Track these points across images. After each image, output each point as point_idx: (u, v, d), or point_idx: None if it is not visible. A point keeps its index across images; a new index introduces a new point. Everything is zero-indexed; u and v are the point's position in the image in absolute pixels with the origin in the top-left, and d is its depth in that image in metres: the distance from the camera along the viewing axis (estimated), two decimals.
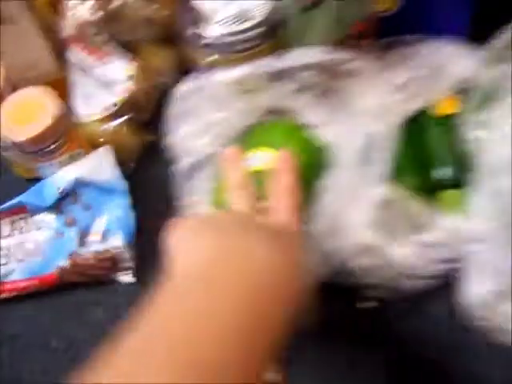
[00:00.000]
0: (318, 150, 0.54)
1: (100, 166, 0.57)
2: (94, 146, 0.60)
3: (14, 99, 0.57)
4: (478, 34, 0.61)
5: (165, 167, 0.63)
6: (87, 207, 0.58)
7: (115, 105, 0.60)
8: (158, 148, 0.64)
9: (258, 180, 0.50)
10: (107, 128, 0.61)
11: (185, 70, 0.61)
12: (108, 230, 0.58)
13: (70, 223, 0.58)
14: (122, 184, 0.58)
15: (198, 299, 0.36)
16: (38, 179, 0.61)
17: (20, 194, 0.59)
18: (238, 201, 0.48)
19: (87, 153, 0.59)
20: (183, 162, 0.56)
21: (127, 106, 0.60)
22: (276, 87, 0.55)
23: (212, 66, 0.55)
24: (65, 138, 0.56)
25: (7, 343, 0.57)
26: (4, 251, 0.58)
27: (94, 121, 0.61)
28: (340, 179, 0.52)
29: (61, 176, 0.58)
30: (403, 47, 0.62)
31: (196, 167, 0.56)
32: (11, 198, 0.59)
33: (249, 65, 0.52)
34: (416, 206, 0.54)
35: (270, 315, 0.37)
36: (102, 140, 0.60)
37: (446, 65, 0.60)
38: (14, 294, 0.58)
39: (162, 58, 0.61)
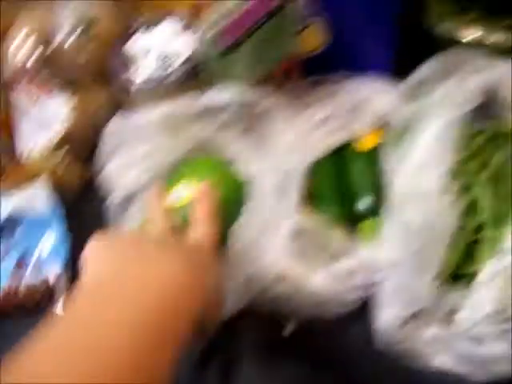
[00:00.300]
0: (238, 184, 0.57)
1: (35, 197, 0.61)
2: (30, 178, 0.63)
3: None
4: (401, 69, 0.65)
5: (102, 201, 0.67)
6: (22, 238, 0.61)
7: (53, 141, 0.63)
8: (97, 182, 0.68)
9: (181, 214, 0.53)
10: (47, 163, 0.64)
11: (119, 108, 0.64)
12: (43, 261, 0.60)
13: (5, 255, 0.61)
14: (57, 215, 0.61)
15: (99, 307, 0.38)
16: None
17: None
18: (157, 228, 0.51)
19: (25, 186, 0.62)
20: (115, 195, 0.59)
21: (65, 143, 0.63)
22: (200, 124, 0.58)
23: (139, 105, 0.59)
24: (2, 172, 0.59)
25: None
26: None
27: (35, 157, 0.64)
28: (257, 211, 0.54)
29: None
30: (328, 85, 0.65)
31: (127, 200, 0.59)
32: None
33: (173, 104, 0.56)
34: (333, 234, 0.56)
35: (171, 326, 0.39)
36: (42, 175, 0.64)
37: (368, 100, 0.63)
38: None
39: (98, 97, 0.65)
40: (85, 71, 0.62)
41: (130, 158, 0.57)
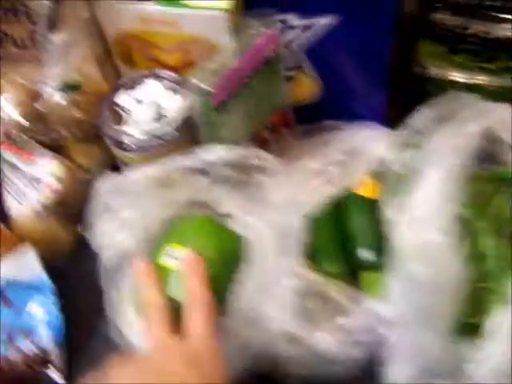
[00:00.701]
0: (234, 241, 0.55)
1: (24, 263, 0.58)
2: (22, 244, 0.61)
3: None
4: (394, 115, 0.64)
5: (95, 261, 0.65)
6: (11, 307, 0.58)
7: (43, 202, 0.61)
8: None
9: (170, 279, 0.52)
10: (37, 226, 0.62)
11: (109, 166, 0.63)
12: (35, 329, 0.58)
13: None
14: (47, 281, 0.58)
15: None
16: None
17: None
18: (153, 322, 0.49)
19: (13, 251, 0.60)
20: (106, 257, 0.57)
21: (55, 203, 0.61)
22: (191, 181, 0.57)
23: (129, 164, 0.57)
24: None
25: None
26: None
27: (24, 218, 0.62)
28: (256, 269, 0.53)
29: None
30: (321, 133, 0.64)
31: (119, 261, 0.57)
32: None
33: (164, 162, 0.54)
34: (336, 290, 0.54)
35: None
36: (31, 238, 0.62)
37: (363, 148, 0.62)
38: None
39: (88, 156, 0.63)
40: (74, 129, 0.60)
41: (118, 219, 0.56)
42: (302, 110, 0.64)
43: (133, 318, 0.57)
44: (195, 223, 0.56)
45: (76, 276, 0.62)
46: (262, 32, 0.54)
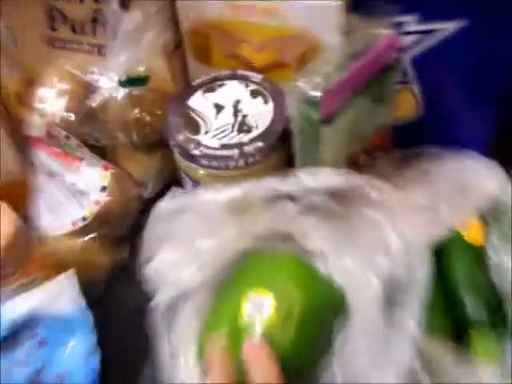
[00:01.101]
0: (325, 291, 0.44)
1: (61, 295, 0.47)
2: (56, 266, 0.50)
3: None
4: (500, 149, 0.54)
5: (140, 291, 0.54)
6: (43, 345, 0.47)
7: (85, 219, 0.50)
8: (133, 267, 0.55)
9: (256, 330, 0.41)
10: (74, 245, 0.51)
11: (169, 182, 0.52)
12: (67, 373, 0.46)
13: (20, 363, 0.46)
14: (86, 318, 0.47)
15: None
16: None
17: None
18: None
19: (47, 276, 0.49)
20: (163, 295, 0.46)
21: (99, 221, 0.50)
22: (275, 209, 0.46)
23: (201, 182, 0.47)
24: (20, 261, 0.46)
25: None
26: None
27: (59, 236, 0.51)
28: (357, 329, 0.42)
29: (12, 306, 0.46)
30: (422, 161, 0.54)
31: (179, 301, 0.46)
32: None
33: (245, 184, 0.44)
34: (450, 361, 0.44)
35: None
36: (66, 259, 0.50)
37: (472, 184, 0.52)
38: None
39: (142, 167, 0.52)
40: (131, 132, 0.49)
41: (185, 250, 0.45)
42: (399, 130, 0.54)
43: (189, 368, 0.46)
44: (283, 263, 0.45)
45: (114, 308, 0.51)
46: (381, 34, 0.44)
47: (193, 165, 0.45)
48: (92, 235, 0.51)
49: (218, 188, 0.45)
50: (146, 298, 0.52)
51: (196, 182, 0.47)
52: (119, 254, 0.53)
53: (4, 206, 0.45)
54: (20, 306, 0.47)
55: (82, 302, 0.47)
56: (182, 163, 0.47)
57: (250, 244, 0.47)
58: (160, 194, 0.51)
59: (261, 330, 0.41)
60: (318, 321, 0.43)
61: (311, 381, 0.42)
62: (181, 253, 0.45)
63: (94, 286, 0.53)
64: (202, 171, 0.46)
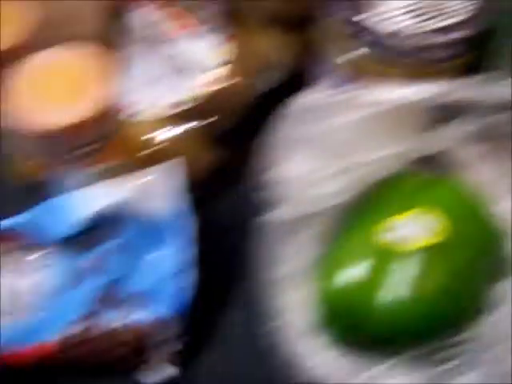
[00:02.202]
0: (487, 232, 0.36)
1: (156, 191, 0.37)
2: (141, 158, 0.40)
3: (38, 64, 0.35)
4: None
5: (244, 202, 0.44)
6: (123, 251, 0.37)
7: (187, 102, 0.40)
8: (237, 172, 0.45)
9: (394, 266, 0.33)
10: (167, 134, 0.40)
11: (308, 71, 0.41)
12: (151, 290, 0.37)
13: (93, 271, 0.37)
14: (186, 224, 0.37)
15: None
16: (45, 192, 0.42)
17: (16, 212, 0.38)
18: None
19: (133, 166, 0.39)
20: (285, 212, 0.36)
21: (204, 107, 0.40)
22: (444, 126, 0.36)
23: (362, 75, 0.35)
24: (107, 138, 0.36)
25: None
26: None
27: (150, 120, 0.40)
28: None
29: (89, 197, 0.37)
30: None
31: (302, 222, 0.36)
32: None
33: (422, 87, 0.33)
34: None
35: None
36: (157, 150, 0.40)
37: None
38: None
39: (273, 46, 0.41)
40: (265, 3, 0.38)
41: (328, 162, 0.35)
42: None
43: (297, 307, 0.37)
44: (450, 187, 0.36)
45: (211, 220, 0.41)
46: None
47: (354, 53, 0.34)
48: (193, 124, 0.41)
49: (384, 87, 0.34)
50: (250, 212, 0.43)
51: (349, 79, 0.36)
52: (220, 154, 0.43)
53: (98, 58, 0.34)
54: (100, 197, 0.37)
55: (184, 204, 0.37)
56: (336, 50, 0.36)
57: (401, 165, 0.37)
58: (285, 88, 0.41)
59: (411, 256, 0.33)
60: (472, 260, 0.34)
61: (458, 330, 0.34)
62: (318, 164, 0.35)
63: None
64: (365, 62, 0.35)
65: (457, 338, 0.34)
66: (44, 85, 0.33)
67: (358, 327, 0.34)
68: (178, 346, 0.37)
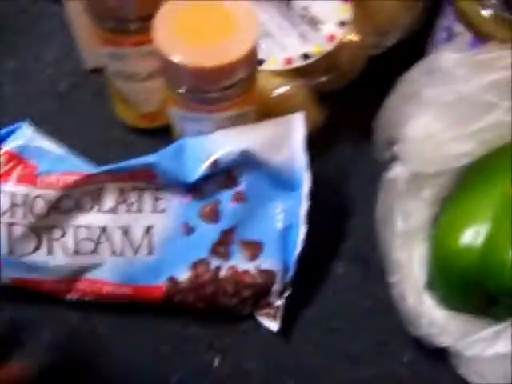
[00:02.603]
0: None
1: (281, 142, 0.37)
2: (260, 109, 0.40)
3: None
4: None
5: (351, 161, 0.44)
6: (244, 200, 0.37)
7: (307, 56, 0.40)
8: (343, 132, 0.45)
9: None
10: (284, 87, 0.40)
11: (431, 34, 0.41)
12: (266, 242, 0.37)
13: (210, 217, 0.37)
14: (305, 177, 0.37)
15: None
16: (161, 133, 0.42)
17: (128, 153, 0.38)
18: None
19: (257, 115, 0.39)
20: (405, 170, 0.36)
21: (324, 63, 0.40)
22: None
23: (489, 38, 0.36)
24: (247, 82, 0.35)
25: None
26: (94, 231, 0.37)
27: (270, 72, 0.40)
28: None
29: (217, 142, 0.36)
30: None
31: (425, 181, 0.37)
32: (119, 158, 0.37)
33: None
34: None
35: None
36: (270, 104, 0.40)
37: None
38: (90, 298, 0.38)
39: (395, 6, 0.41)
40: None
41: (456, 123, 0.35)
42: None
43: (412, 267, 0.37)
44: None
45: (318, 180, 0.41)
46: None
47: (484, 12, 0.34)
48: (306, 81, 0.41)
49: None
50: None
51: (476, 42, 0.36)
52: (324, 115, 0.43)
53: (250, 5, 0.34)
54: (227, 143, 0.36)
55: (304, 158, 0.37)
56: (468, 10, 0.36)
57: None
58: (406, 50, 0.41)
59: None
60: None
61: None
62: (455, 125, 0.35)
63: None
64: (493, 23, 0.35)
65: None
66: (194, 23, 0.33)
67: (476, 287, 0.35)
68: (282, 300, 0.37)
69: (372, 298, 0.39)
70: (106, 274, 0.37)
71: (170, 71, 0.34)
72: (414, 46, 0.43)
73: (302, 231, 0.37)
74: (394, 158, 0.37)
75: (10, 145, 0.37)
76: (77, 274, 0.37)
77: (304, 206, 0.37)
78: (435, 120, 0.35)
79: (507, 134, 0.35)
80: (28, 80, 0.48)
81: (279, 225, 0.38)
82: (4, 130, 0.38)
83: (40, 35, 0.51)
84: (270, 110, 0.41)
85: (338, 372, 0.37)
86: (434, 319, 0.36)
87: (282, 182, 0.37)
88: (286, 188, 0.38)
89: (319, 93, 0.43)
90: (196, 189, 0.37)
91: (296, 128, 0.37)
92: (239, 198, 0.37)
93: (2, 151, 0.37)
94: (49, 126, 0.47)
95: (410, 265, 0.36)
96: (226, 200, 0.37)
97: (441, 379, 0.37)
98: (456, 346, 0.35)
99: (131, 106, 0.43)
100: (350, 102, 0.43)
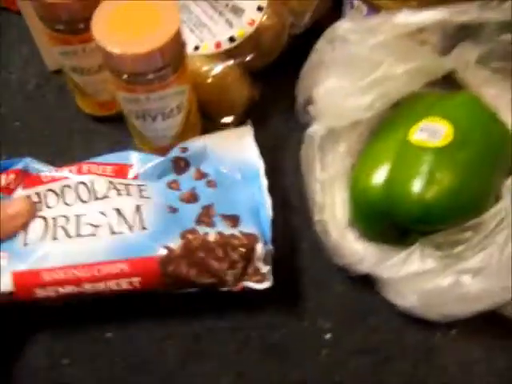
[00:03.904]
0: (501, 136, 0.42)
1: (236, 142, 0.46)
2: (195, 88, 0.46)
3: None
4: None
5: (280, 130, 0.51)
6: (215, 186, 0.44)
7: (233, 39, 0.46)
8: (268, 106, 0.52)
9: (425, 159, 0.39)
10: (215, 68, 0.47)
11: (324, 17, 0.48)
12: (242, 214, 0.42)
13: (190, 199, 0.43)
14: (259, 164, 0.45)
15: None
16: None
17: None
18: None
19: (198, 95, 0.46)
20: (320, 126, 0.43)
21: (248, 45, 0.46)
22: (458, 48, 0.43)
23: (383, 7, 0.42)
24: (176, 65, 0.42)
25: None
26: (94, 216, 0.41)
27: (202, 56, 0.47)
28: None
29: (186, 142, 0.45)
30: None
31: (337, 135, 0.43)
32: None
33: (444, 9, 0.39)
34: None
35: None
36: (205, 83, 0.47)
37: None
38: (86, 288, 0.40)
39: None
40: None
41: (360, 79, 0.41)
42: None
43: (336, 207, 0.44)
44: (464, 101, 0.42)
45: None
46: None
47: None
48: (235, 61, 0.47)
49: (404, 13, 0.41)
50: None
51: (372, 11, 0.43)
52: (256, 90, 0.49)
53: (172, 3, 0.41)
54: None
55: (256, 149, 0.45)
56: None
57: (419, 85, 0.44)
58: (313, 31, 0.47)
59: (432, 154, 0.39)
60: (490, 164, 0.41)
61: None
62: (351, 81, 0.41)
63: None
64: None
65: (466, 225, 0.40)
66: (126, 19, 0.40)
67: (386, 219, 0.41)
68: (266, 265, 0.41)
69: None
70: (103, 255, 0.40)
71: (111, 61, 0.40)
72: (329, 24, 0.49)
73: (268, 203, 0.43)
74: (312, 119, 0.44)
75: (14, 166, 0.44)
76: (74, 260, 0.40)
77: (265, 185, 0.44)
78: (337, 80, 0.41)
79: (398, 86, 0.41)
80: None
81: (250, 203, 0.43)
82: (6, 161, 0.45)
83: (5, 44, 0.57)
84: (208, 90, 0.48)
85: None
86: (355, 250, 0.42)
87: (243, 172, 0.44)
88: (248, 177, 0.44)
89: (250, 71, 0.49)
90: (173, 182, 0.44)
91: (246, 131, 0.46)
92: (211, 184, 0.44)
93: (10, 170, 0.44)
94: (19, 122, 0.53)
95: (332, 206, 0.43)
96: (200, 186, 0.44)
97: (368, 304, 0.44)
98: (375, 271, 0.42)
99: (89, 97, 0.50)
100: (278, 77, 0.49)
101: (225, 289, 0.41)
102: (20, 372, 0.42)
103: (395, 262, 0.41)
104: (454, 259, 0.40)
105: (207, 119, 0.50)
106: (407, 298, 0.41)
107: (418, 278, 0.41)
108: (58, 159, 0.50)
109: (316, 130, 0.42)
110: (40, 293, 0.40)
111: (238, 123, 0.50)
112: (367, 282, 0.44)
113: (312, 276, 0.45)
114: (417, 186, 0.39)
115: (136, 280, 0.40)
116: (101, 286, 0.39)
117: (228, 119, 0.49)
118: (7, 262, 0.40)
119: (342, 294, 0.44)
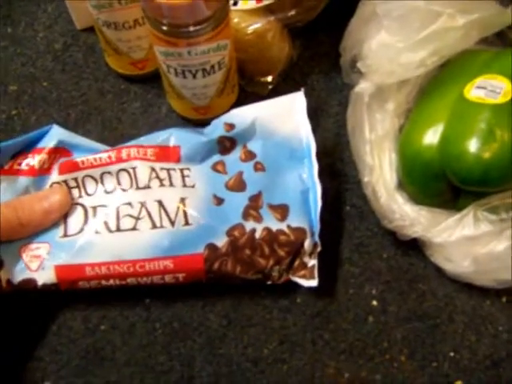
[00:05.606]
0: None
1: (287, 115, 0.42)
2: (238, 46, 0.44)
3: None
4: None
5: (320, 92, 0.49)
6: (264, 169, 0.42)
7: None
8: (308, 65, 0.50)
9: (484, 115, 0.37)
10: (257, 24, 0.45)
11: None
12: (291, 204, 0.41)
13: (237, 186, 0.41)
14: (312, 145, 0.42)
15: None
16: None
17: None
18: None
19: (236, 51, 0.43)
20: (370, 84, 0.41)
21: (286, 2, 0.44)
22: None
23: None
24: (219, 16, 0.39)
25: None
26: (135, 207, 0.40)
27: (241, 11, 0.45)
28: None
29: (231, 114, 0.43)
30: None
31: (385, 93, 0.41)
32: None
33: None
34: None
35: None
36: (246, 39, 0.45)
37: None
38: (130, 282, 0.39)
39: None
40: None
41: (412, 35, 0.39)
42: None
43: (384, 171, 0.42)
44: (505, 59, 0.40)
45: None
46: None
47: None
48: (276, 17, 0.45)
49: None
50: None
51: None
52: (296, 48, 0.47)
53: None
54: (239, 113, 0.42)
55: (309, 127, 0.42)
56: None
57: (473, 42, 0.41)
58: None
59: (491, 111, 0.37)
60: None
61: None
62: (408, 35, 0.39)
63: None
64: None
65: None
66: None
67: (438, 180, 0.40)
68: (315, 259, 0.40)
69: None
70: (146, 251, 0.39)
71: (152, 11, 0.38)
72: None
73: (319, 190, 0.40)
74: (359, 77, 0.42)
75: (47, 143, 0.42)
76: (117, 255, 0.39)
77: (315, 169, 0.41)
78: (389, 34, 0.39)
79: (454, 42, 0.39)
80: (25, 43, 0.53)
81: (299, 189, 0.41)
82: (35, 133, 0.42)
83: (31, 1, 0.55)
84: (246, 47, 0.46)
85: None
86: (405, 213, 0.41)
87: (293, 151, 0.42)
88: (298, 156, 0.42)
89: (290, 28, 0.47)
90: (218, 164, 0.42)
91: (298, 102, 0.42)
92: (259, 167, 0.42)
93: (44, 149, 0.41)
94: (47, 82, 0.51)
95: (380, 168, 0.41)
96: (248, 170, 0.42)
97: (416, 269, 0.42)
98: (426, 235, 0.40)
99: (122, 56, 0.48)
100: (318, 36, 0.47)
101: (269, 282, 0.40)
102: (56, 338, 0.40)
103: (447, 226, 0.40)
104: (509, 223, 0.38)
105: (244, 78, 0.48)
106: (459, 264, 0.40)
107: (471, 242, 0.39)
108: (87, 122, 0.48)
109: (365, 87, 0.40)
110: (83, 284, 0.39)
111: (277, 83, 0.48)
112: (415, 247, 0.42)
113: (358, 240, 0.43)
114: (474, 144, 0.37)
115: (180, 275, 0.39)
116: (144, 280, 0.39)
117: (267, 78, 0.47)
118: (48, 254, 0.39)
119: (389, 259, 0.43)
